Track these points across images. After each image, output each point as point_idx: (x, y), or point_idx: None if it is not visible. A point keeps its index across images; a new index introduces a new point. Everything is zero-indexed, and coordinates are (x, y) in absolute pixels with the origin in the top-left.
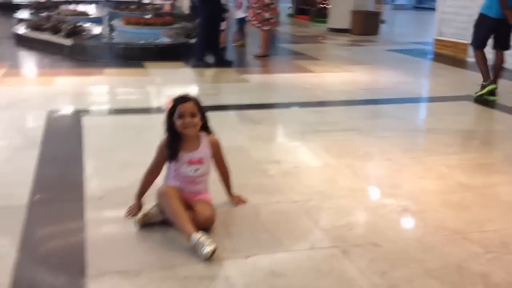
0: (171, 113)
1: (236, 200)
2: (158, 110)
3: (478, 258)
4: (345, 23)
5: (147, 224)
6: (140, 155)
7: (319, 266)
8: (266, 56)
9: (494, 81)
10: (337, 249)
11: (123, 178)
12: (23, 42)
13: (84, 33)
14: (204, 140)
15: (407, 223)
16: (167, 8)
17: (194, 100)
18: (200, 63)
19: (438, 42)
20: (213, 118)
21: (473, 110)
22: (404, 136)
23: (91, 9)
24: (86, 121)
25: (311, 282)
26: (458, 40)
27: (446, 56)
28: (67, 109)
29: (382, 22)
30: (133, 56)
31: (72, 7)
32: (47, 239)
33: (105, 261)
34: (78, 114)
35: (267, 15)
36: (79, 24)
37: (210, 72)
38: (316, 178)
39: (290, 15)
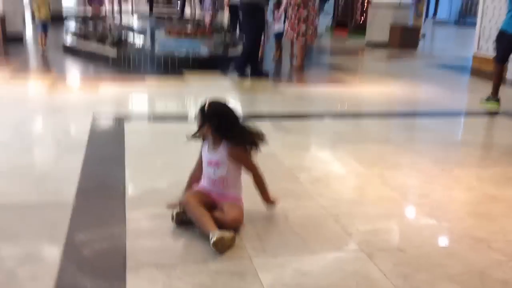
0: None
1: (268, 202)
2: (196, 117)
3: (501, 266)
4: (383, 37)
5: (182, 222)
6: (178, 159)
7: (345, 267)
8: (302, 68)
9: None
10: (362, 253)
11: (161, 180)
12: (70, 51)
13: (128, 43)
14: (224, 146)
15: (433, 230)
16: (207, 21)
17: (201, 108)
18: (241, 74)
19: (477, 58)
20: None
21: (508, 126)
22: (436, 148)
23: (135, 21)
24: (128, 126)
25: (336, 281)
26: None
27: (485, 72)
28: (110, 115)
29: (422, 36)
30: (173, 66)
31: (118, 19)
32: (90, 232)
33: (143, 255)
34: (121, 120)
35: (304, 28)
36: (123, 35)
37: (246, 82)
38: (345, 186)
39: (329, 29)
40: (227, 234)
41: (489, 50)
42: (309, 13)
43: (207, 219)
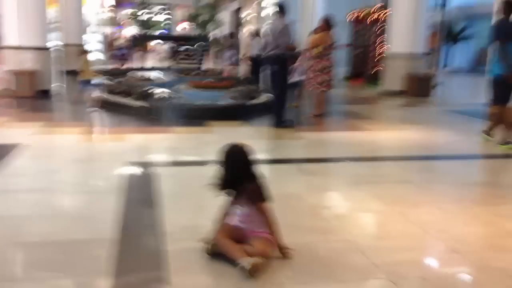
0: None
1: (282, 252)
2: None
3: None
4: (398, 86)
5: (215, 253)
6: (209, 199)
7: None
8: (321, 115)
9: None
10: (387, 281)
11: (196, 218)
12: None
13: (154, 96)
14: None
15: (454, 261)
16: (227, 72)
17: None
18: (285, 123)
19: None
20: (272, 170)
21: None
22: (454, 188)
23: (159, 75)
24: (159, 171)
25: None
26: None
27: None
28: (142, 161)
29: (436, 84)
30: (197, 116)
31: (142, 73)
32: (136, 264)
33: (184, 284)
34: (152, 165)
35: (322, 77)
36: (149, 88)
37: (268, 130)
38: (368, 222)
39: (346, 78)
40: (258, 260)
41: None
42: (326, 64)
43: (236, 249)
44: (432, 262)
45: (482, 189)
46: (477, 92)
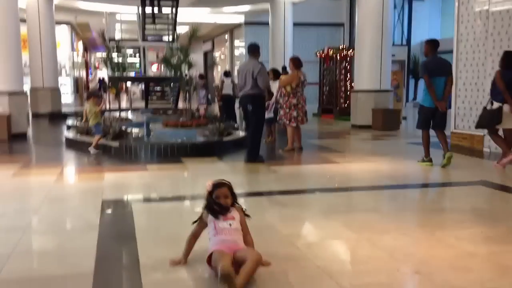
0: (210, 193)
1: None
2: (197, 197)
3: None
4: (367, 120)
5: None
6: (183, 232)
7: None
8: (293, 150)
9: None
10: None
11: (170, 250)
12: (73, 145)
13: (128, 135)
14: (233, 208)
15: (418, 282)
16: (201, 111)
17: (228, 185)
18: (259, 159)
19: (455, 135)
20: (246, 203)
21: (484, 193)
22: (419, 214)
23: (133, 115)
24: (135, 207)
25: None
26: (474, 132)
27: (464, 147)
28: (118, 198)
29: (403, 118)
30: (172, 154)
31: (118, 114)
32: None
33: None
34: (128, 202)
35: (294, 113)
36: (125, 128)
37: (242, 165)
38: (338, 249)
39: (316, 114)
40: None
41: (464, 127)
42: (298, 100)
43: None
44: (397, 283)
45: (444, 215)
46: None
